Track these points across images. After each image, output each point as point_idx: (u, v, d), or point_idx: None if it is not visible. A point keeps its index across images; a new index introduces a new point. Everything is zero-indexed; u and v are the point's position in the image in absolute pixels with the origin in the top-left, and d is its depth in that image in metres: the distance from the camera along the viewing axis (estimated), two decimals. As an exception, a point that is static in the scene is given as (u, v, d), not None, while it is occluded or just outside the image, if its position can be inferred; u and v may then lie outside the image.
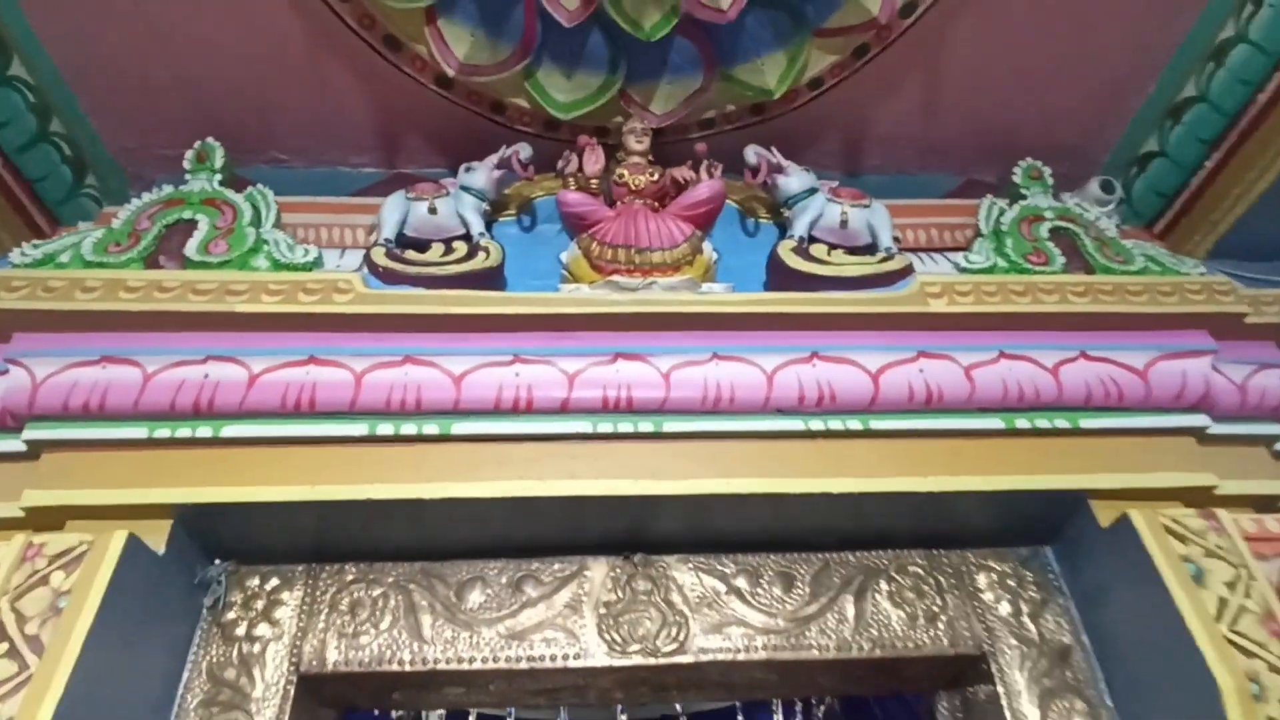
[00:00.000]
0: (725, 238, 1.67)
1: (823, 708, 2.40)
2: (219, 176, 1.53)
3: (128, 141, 1.72)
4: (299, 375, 1.32)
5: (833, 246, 1.57)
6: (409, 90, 1.65)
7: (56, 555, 1.14)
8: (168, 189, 1.52)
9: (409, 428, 1.32)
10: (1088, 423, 1.40)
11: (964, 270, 1.52)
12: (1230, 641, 1.13)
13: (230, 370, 1.31)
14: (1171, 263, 1.56)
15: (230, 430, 1.29)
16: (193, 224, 1.45)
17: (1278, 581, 1.24)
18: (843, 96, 1.73)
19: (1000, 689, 1.31)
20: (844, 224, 1.57)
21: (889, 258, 1.51)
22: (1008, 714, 1.29)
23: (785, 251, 1.51)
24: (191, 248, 1.40)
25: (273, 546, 1.37)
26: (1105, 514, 1.33)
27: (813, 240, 1.58)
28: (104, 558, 1.14)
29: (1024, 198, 1.67)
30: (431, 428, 1.32)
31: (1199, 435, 1.42)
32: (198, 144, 1.56)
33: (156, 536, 1.24)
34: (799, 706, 2.54)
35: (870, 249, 1.59)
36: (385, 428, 1.32)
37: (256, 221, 1.47)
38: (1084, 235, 1.60)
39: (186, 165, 1.54)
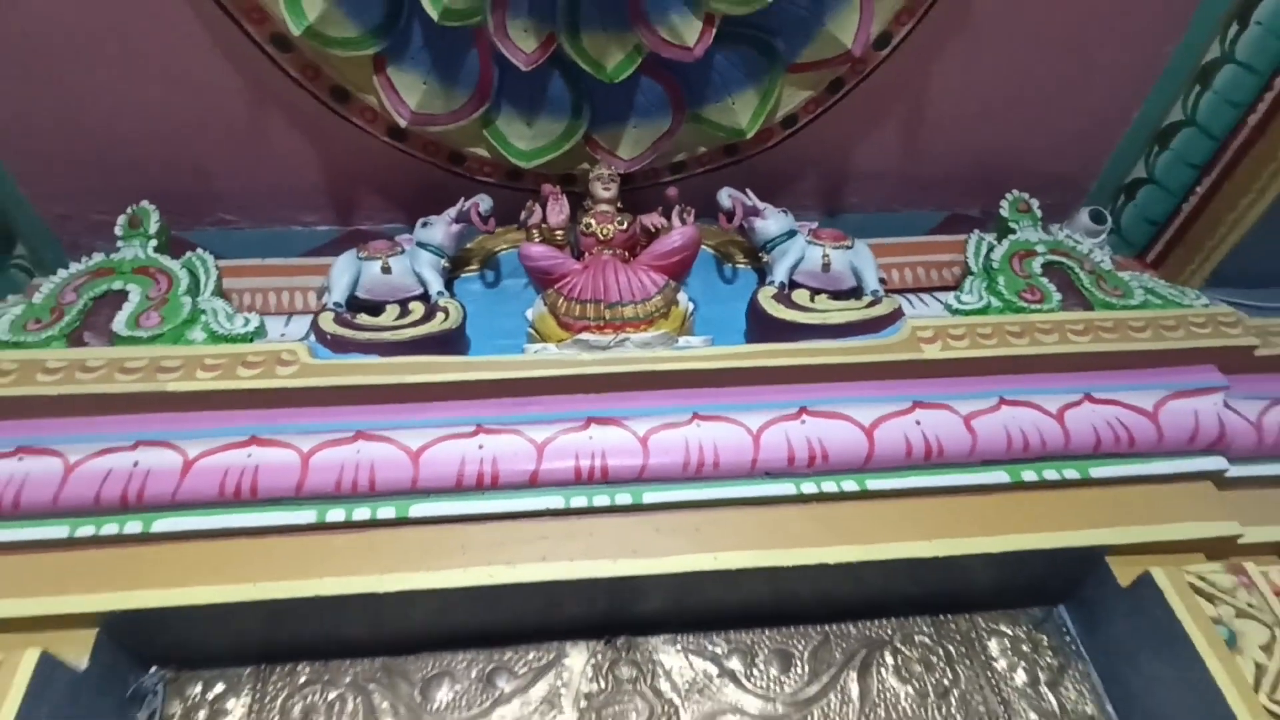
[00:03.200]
0: (702, 286, 1.58)
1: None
2: (154, 243, 1.42)
3: (60, 208, 1.61)
4: (239, 459, 1.20)
5: (815, 291, 1.48)
6: (360, 143, 1.56)
7: (-49, 682, 1.00)
8: (99, 258, 1.40)
9: (362, 512, 1.20)
10: (1098, 471, 1.30)
11: (956, 311, 1.43)
12: (1270, 713, 1.02)
13: (163, 456, 1.19)
14: (1172, 294, 1.48)
15: (163, 524, 1.16)
16: (123, 295, 1.33)
17: (1314, 641, 1.14)
18: (818, 133, 1.66)
19: (1025, 774, 1.20)
20: (826, 267, 1.48)
21: (876, 301, 1.42)
22: (1035, 803, 1.17)
23: (766, 299, 1.41)
24: (120, 322, 1.28)
25: (214, 649, 1.24)
26: (1124, 571, 1.23)
27: (794, 285, 1.49)
28: (10, 683, 1.00)
29: (1013, 232, 1.59)
30: (387, 511, 1.20)
31: (1217, 479, 1.33)
32: (130, 209, 1.45)
33: (78, 649, 1.10)
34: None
35: (856, 292, 1.51)
36: (336, 513, 1.19)
37: (195, 290, 1.36)
38: (1079, 269, 1.52)
39: (118, 231, 1.43)
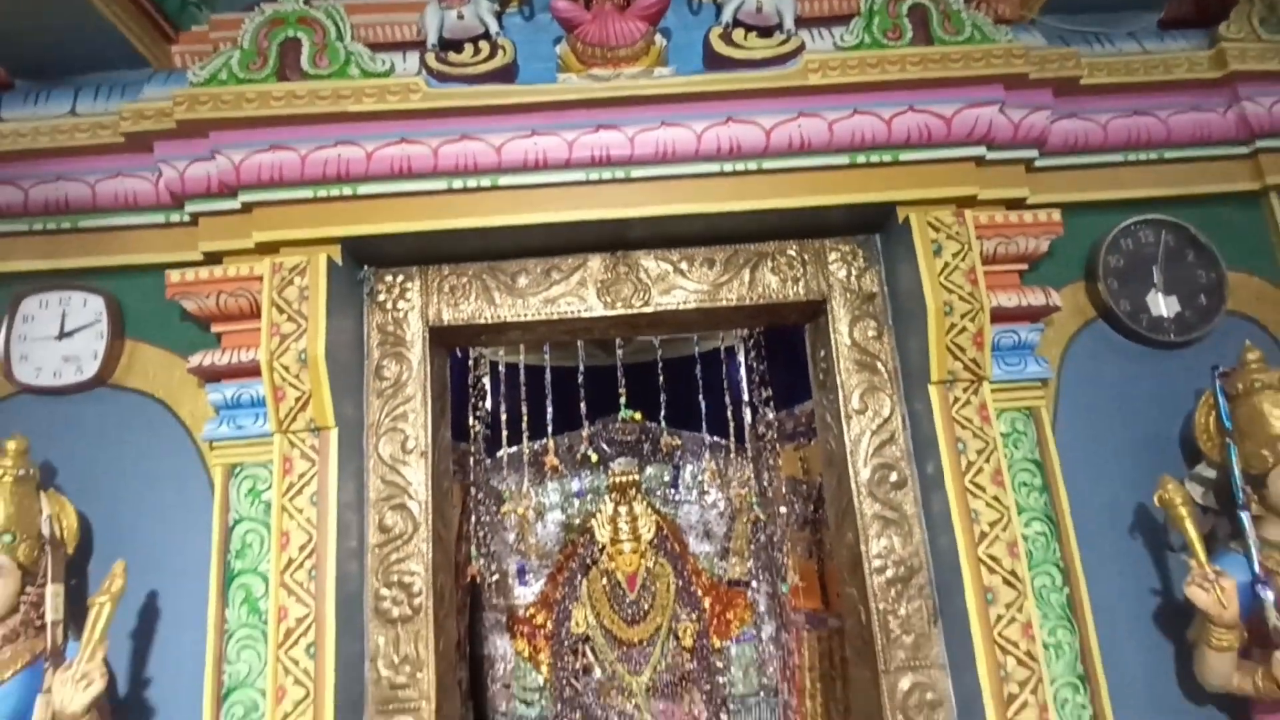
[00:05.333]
0: (677, 19, 2.25)
1: (753, 339, 3.50)
2: (302, -2, 2.10)
3: (210, -42, 2.23)
4: (398, 151, 2.07)
5: (749, 29, 2.17)
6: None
7: (291, 268, 2.04)
8: (270, 9, 2.10)
9: (471, 182, 2.11)
10: (905, 156, 2.16)
11: (838, 48, 2.15)
12: (942, 285, 2.05)
13: (354, 150, 2.06)
14: (990, 32, 2.16)
15: (363, 189, 2.09)
16: (297, 41, 2.07)
17: (990, 253, 2.13)
18: (767, -114, 2.16)
19: (830, 318, 2.29)
20: (759, 9, 2.15)
21: (787, 40, 2.13)
22: (832, 331, 2.28)
23: (714, 38, 2.13)
24: (304, 62, 2.05)
25: (398, 257, 2.26)
26: (901, 215, 2.17)
27: (737, 24, 2.17)
28: (319, 267, 2.04)
29: (900, -24, 2.21)
30: (485, 181, 2.11)
31: (978, 160, 2.18)
32: (279, -29, 2.10)
33: (335, 255, 2.11)
34: (739, 345, 3.66)
35: (780, 26, 2.19)
36: (457, 183, 2.11)
37: (340, 36, 2.09)
38: (934, 10, 2.18)
39: (275, -12, 2.11)
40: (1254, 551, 1.85)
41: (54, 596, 1.79)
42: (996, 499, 2.01)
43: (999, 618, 1.94)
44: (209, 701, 1.94)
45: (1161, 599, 2.09)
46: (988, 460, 2.03)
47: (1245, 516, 1.88)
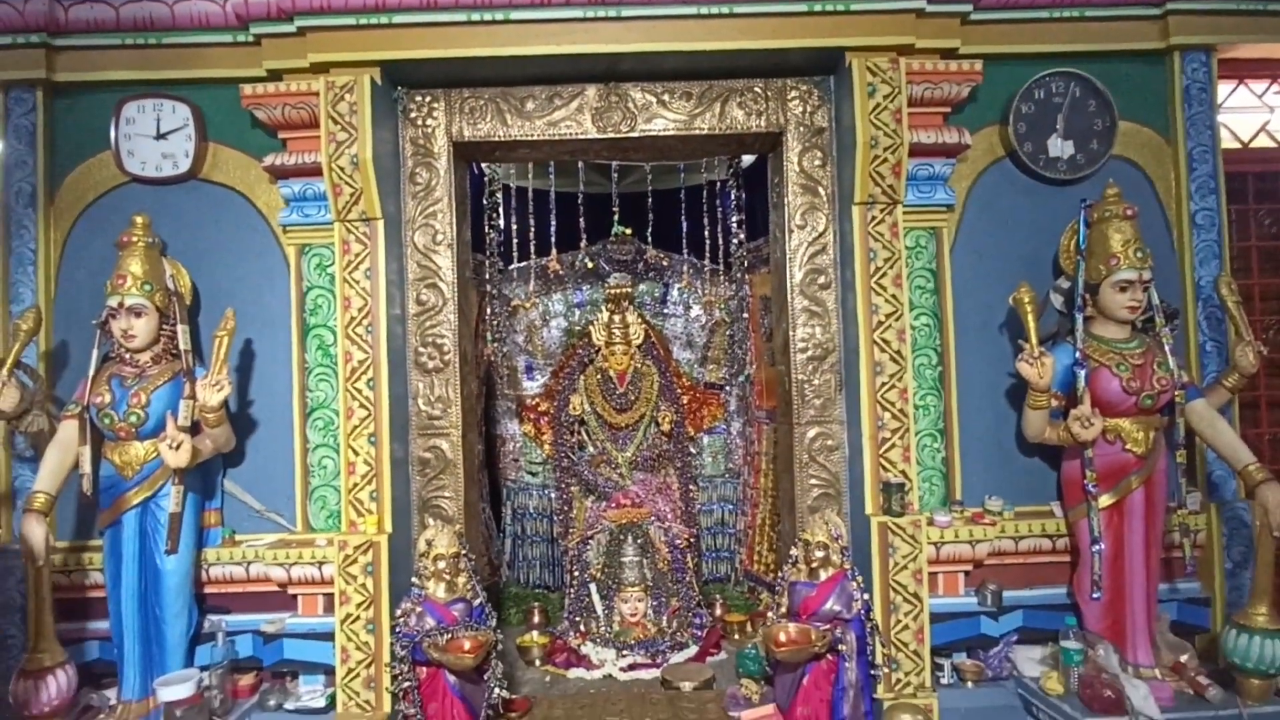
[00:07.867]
0: None
1: (733, 171, 3.95)
2: None
3: None
4: (426, -14, 2.47)
5: (731, -120, 2.47)
6: None
7: (342, 86, 2.50)
8: None
9: (488, 16, 2.51)
10: (855, 6, 2.53)
11: (806, -95, 2.46)
12: (871, 122, 2.51)
13: (390, -16, 2.46)
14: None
15: (397, 19, 2.51)
16: (338, -121, 2.41)
17: (919, 96, 2.56)
18: None
19: (785, 149, 2.76)
20: None
21: (761, -106, 2.44)
22: (785, 160, 2.75)
23: (698, -112, 2.44)
24: (345, -100, 2.40)
25: (427, 80, 2.71)
26: (848, 59, 2.58)
27: (720, -126, 2.47)
28: (365, 86, 2.51)
29: None
30: (499, 15, 2.52)
31: (917, 13, 2.55)
32: None
33: (376, 76, 2.57)
34: (718, 180, 4.10)
35: (757, -121, 2.49)
36: (475, 15, 2.52)
37: (373, -126, 2.42)
38: None
39: None
40: (1078, 341, 2.44)
41: (183, 333, 2.44)
42: (894, 297, 2.58)
43: (883, 385, 2.58)
44: (298, 417, 2.66)
45: (1013, 379, 2.72)
46: (891, 267, 2.59)
47: (1079, 316, 2.46)
